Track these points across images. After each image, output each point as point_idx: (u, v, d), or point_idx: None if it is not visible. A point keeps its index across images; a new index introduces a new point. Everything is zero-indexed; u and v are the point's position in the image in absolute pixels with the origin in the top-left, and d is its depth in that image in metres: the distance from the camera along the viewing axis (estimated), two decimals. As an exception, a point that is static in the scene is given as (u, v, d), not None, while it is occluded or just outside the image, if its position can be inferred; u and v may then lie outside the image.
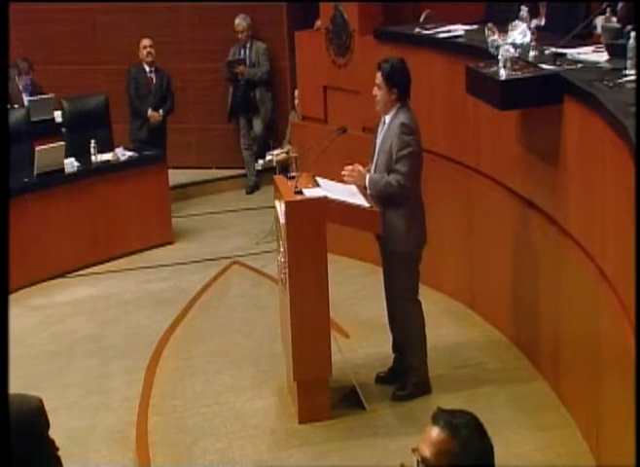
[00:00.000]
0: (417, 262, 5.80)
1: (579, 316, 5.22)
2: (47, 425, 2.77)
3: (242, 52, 10.67)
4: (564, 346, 5.56)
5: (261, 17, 10.81)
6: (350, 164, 5.81)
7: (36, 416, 2.75)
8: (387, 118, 5.76)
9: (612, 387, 4.64)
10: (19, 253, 7.74)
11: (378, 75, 5.73)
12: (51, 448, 2.81)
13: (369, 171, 5.78)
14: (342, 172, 5.80)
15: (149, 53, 10.01)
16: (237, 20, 10.59)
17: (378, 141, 5.80)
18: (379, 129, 5.83)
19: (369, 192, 5.68)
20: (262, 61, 10.63)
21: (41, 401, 2.82)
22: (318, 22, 9.80)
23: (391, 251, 5.77)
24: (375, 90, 5.74)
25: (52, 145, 8.56)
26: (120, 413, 5.98)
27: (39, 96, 9.97)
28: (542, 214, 5.76)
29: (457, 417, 2.47)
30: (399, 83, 5.70)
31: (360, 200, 5.65)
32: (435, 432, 2.45)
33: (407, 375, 5.88)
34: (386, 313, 5.99)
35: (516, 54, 5.39)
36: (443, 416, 2.47)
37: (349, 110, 7.90)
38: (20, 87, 10.07)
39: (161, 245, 9.10)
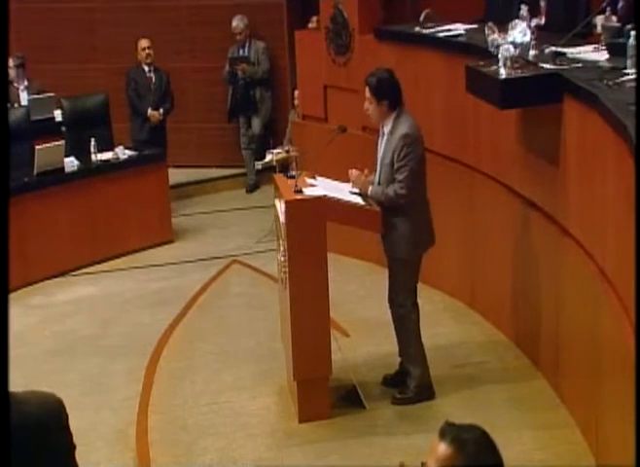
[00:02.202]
0: (416, 268, 5.78)
1: (579, 315, 5.22)
2: (67, 417, 2.90)
3: (241, 52, 10.66)
4: (564, 346, 5.56)
5: (260, 16, 10.80)
6: (357, 169, 5.80)
7: (60, 409, 2.88)
8: (386, 128, 5.70)
9: (612, 387, 4.64)
10: (20, 252, 7.74)
11: (367, 90, 5.69)
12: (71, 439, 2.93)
13: (372, 183, 5.76)
14: (350, 172, 5.80)
15: (148, 54, 10.01)
16: (235, 22, 10.56)
17: (380, 154, 5.75)
18: (379, 141, 5.78)
19: (371, 201, 5.67)
20: (261, 61, 10.62)
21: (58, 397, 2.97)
22: (313, 19, 9.82)
23: (392, 257, 5.76)
24: (366, 105, 5.70)
25: (51, 144, 8.56)
26: (120, 413, 5.98)
27: (37, 95, 9.93)
28: (542, 213, 5.75)
29: (465, 432, 2.42)
30: (387, 94, 5.64)
31: (360, 199, 5.66)
32: (442, 447, 2.40)
33: (407, 379, 5.86)
34: (389, 314, 5.97)
35: (516, 53, 5.38)
36: (450, 431, 2.42)
37: (349, 109, 7.89)
38: (15, 83, 9.99)
39: (161, 244, 9.10)
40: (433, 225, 5.83)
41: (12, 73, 9.94)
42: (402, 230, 5.65)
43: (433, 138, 6.79)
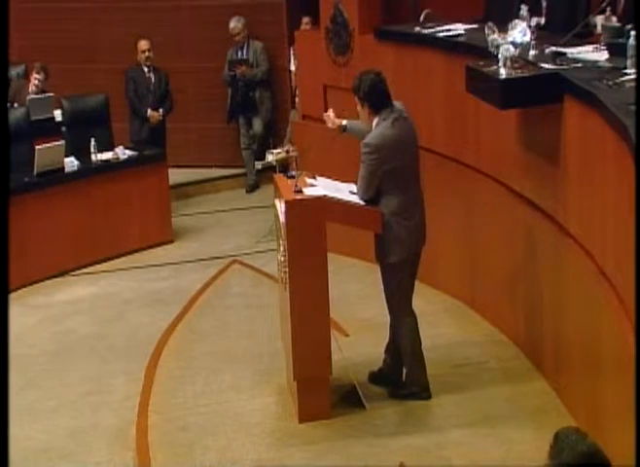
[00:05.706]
0: (406, 272, 5.66)
1: (579, 316, 5.22)
2: None
3: (240, 53, 10.66)
4: (564, 346, 5.55)
5: (260, 16, 10.80)
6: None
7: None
8: None
9: (612, 387, 4.64)
10: (20, 252, 7.74)
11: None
12: None
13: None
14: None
15: (147, 57, 10.01)
16: (232, 24, 10.55)
17: None
18: None
19: None
20: (260, 61, 10.63)
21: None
22: (304, 20, 9.82)
23: (378, 260, 5.74)
24: (358, 106, 5.70)
25: (52, 144, 8.56)
26: (120, 412, 5.98)
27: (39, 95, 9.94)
28: (542, 213, 5.75)
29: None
30: (368, 97, 5.59)
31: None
32: None
33: (406, 379, 5.86)
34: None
35: (516, 53, 5.38)
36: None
37: (349, 109, 7.89)
38: (30, 89, 9.98)
39: (161, 244, 9.10)
40: (422, 231, 5.73)
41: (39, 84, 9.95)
42: (381, 234, 5.61)
43: (433, 138, 6.80)
